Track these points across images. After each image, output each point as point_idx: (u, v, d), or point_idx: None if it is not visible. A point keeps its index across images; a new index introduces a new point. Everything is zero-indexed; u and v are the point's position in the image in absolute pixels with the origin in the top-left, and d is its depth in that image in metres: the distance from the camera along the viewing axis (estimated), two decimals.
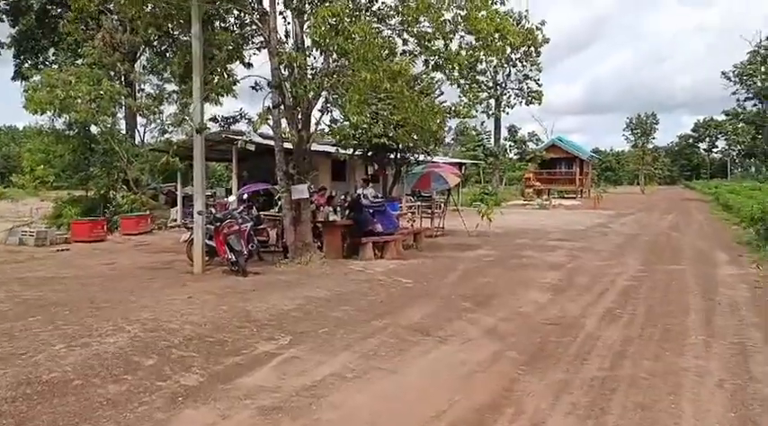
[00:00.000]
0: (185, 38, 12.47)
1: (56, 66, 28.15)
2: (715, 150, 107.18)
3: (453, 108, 13.60)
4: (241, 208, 13.80)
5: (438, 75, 13.51)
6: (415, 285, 9.92)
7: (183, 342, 6.19)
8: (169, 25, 12.45)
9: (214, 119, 11.80)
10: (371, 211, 14.44)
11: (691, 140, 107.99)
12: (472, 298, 8.80)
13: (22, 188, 30.67)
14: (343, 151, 17.12)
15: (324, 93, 11.31)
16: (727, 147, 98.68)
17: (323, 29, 8.80)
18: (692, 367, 5.49)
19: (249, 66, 12.72)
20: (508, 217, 24.72)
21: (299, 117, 11.23)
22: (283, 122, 11.53)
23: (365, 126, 11.75)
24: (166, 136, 29.47)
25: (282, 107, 11.06)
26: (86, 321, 7.04)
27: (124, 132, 28.32)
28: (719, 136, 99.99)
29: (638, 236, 18.11)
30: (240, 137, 16.18)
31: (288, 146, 11.79)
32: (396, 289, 9.49)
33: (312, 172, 12.12)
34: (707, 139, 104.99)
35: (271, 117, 10.93)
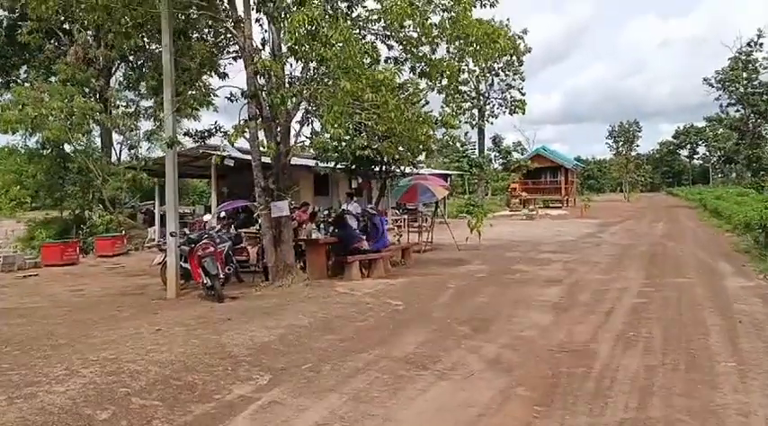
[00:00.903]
0: (158, 49, 11.71)
1: (28, 85, 27.20)
2: (696, 156, 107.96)
3: (441, 117, 12.89)
4: (218, 226, 13.03)
5: (423, 84, 12.82)
6: (407, 307, 9.19)
7: (146, 388, 5.39)
8: (139, 36, 11.68)
9: (188, 134, 11.01)
10: (362, 226, 13.71)
11: (672, 147, 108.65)
12: (469, 322, 8.08)
13: None
14: (324, 164, 16.42)
15: (303, 104, 10.59)
16: (708, 154, 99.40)
17: (299, 34, 8.11)
18: (731, 403, 4.80)
19: (225, 76, 12.01)
20: (496, 229, 24.13)
21: (278, 129, 10.49)
22: (261, 135, 10.79)
23: (347, 138, 11.02)
24: (143, 152, 28.62)
25: (260, 119, 10.33)
26: (37, 364, 6.21)
27: (100, 150, 27.41)
28: (700, 142, 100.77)
29: (634, 247, 17.53)
30: (216, 153, 15.43)
31: (266, 160, 11.05)
32: (385, 313, 8.75)
33: (293, 187, 11.36)
34: (688, 146, 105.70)
35: (248, 130, 10.16)
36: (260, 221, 11.01)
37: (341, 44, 8.28)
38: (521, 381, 5.57)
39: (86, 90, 25.90)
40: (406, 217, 27.11)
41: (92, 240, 20.64)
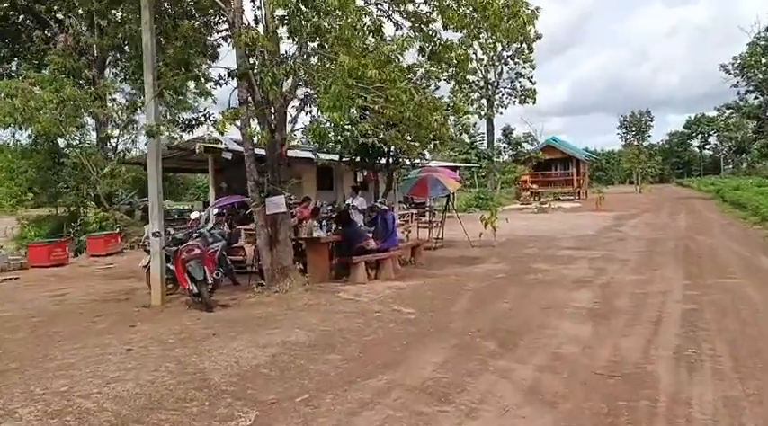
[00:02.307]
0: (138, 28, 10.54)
1: (20, 78, 26.08)
2: (707, 147, 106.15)
3: (452, 104, 11.67)
4: (210, 225, 11.89)
5: (433, 68, 11.59)
6: (420, 316, 8.02)
7: None
8: (119, 15, 10.52)
9: (174, 122, 9.84)
10: (369, 222, 12.57)
11: (683, 137, 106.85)
12: (494, 335, 6.91)
13: None
14: (325, 156, 15.20)
15: (301, 87, 9.40)
16: (719, 144, 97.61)
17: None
18: None
19: (214, 58, 10.80)
20: (509, 224, 22.88)
21: (273, 116, 9.32)
22: (255, 124, 9.61)
23: (348, 125, 9.80)
24: (141, 147, 27.48)
25: (252, 104, 9.16)
26: None
27: (96, 145, 26.30)
28: (711, 132, 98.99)
29: (661, 241, 16.29)
30: (215, 145, 14.28)
31: (262, 152, 9.90)
32: (396, 324, 7.58)
33: (290, 180, 10.21)
34: (699, 136, 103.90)
35: (239, 117, 8.99)
36: (254, 219, 9.83)
37: (340, 12, 7.09)
38: (571, 420, 4.41)
39: (81, 82, 24.76)
40: (414, 211, 25.95)
41: (84, 239, 19.55)
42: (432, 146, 13.58)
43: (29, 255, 16.25)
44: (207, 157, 20.24)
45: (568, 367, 5.71)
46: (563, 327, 7.27)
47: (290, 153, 17.59)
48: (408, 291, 9.84)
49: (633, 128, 79.92)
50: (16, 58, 28.71)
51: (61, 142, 23.93)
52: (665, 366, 5.63)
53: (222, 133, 9.57)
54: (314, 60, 9.19)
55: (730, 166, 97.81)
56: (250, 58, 8.78)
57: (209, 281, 8.55)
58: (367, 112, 9.88)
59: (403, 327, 7.43)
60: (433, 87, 12.82)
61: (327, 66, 7.99)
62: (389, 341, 6.77)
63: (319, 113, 7.65)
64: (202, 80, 9.89)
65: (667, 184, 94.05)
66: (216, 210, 13.07)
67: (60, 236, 19.75)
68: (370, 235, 12.19)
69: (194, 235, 11.90)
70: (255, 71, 8.16)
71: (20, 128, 22.18)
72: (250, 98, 9.24)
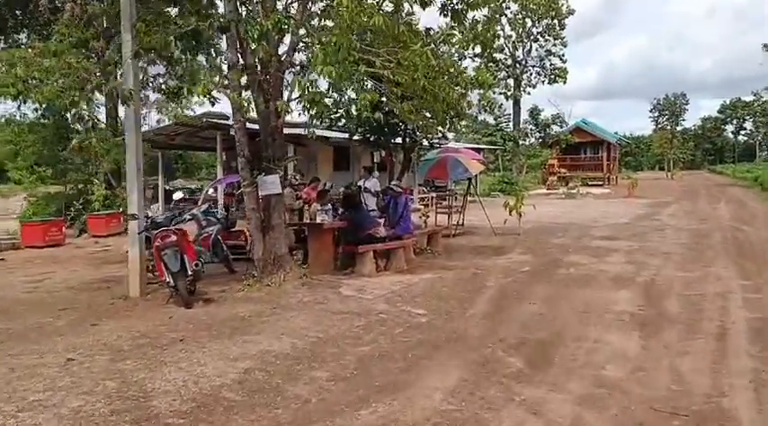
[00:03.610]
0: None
1: (25, 47, 25.15)
2: (742, 132, 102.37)
3: (476, 76, 10.22)
4: (204, 206, 10.75)
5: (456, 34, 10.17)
6: (432, 320, 6.78)
7: None
8: None
9: (161, 91, 8.63)
10: (383, 206, 11.30)
11: (717, 123, 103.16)
12: (520, 348, 5.65)
13: (18, 183, 28.21)
14: (336, 134, 13.89)
15: (301, 52, 8.12)
16: (754, 129, 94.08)
17: None
18: None
19: (201, 15, 9.43)
20: (536, 210, 21.45)
21: (268, 82, 8.05)
22: (248, 93, 8.36)
23: (350, 91, 8.46)
24: (151, 124, 26.50)
25: (243, 68, 7.91)
26: None
27: (105, 121, 25.34)
28: (747, 117, 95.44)
29: (705, 233, 14.76)
30: (221, 121, 13.10)
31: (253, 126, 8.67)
32: (402, 330, 6.34)
33: (286, 158, 8.96)
34: (734, 121, 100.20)
35: (228, 82, 7.74)
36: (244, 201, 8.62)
37: None
38: None
39: (89, 53, 23.74)
40: (433, 195, 24.61)
41: (84, 218, 18.62)
42: (450, 123, 12.14)
43: (22, 235, 15.31)
44: (216, 134, 19.15)
45: (617, 398, 4.43)
46: (604, 339, 5.98)
47: (302, 130, 16.24)
48: (420, 286, 8.58)
49: (666, 112, 77.08)
50: (25, 30, 27.80)
51: (69, 117, 22.92)
52: (743, 401, 4.33)
53: (213, 103, 8.38)
54: (315, 22, 7.92)
55: (765, 153, 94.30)
56: (240, 8, 7.49)
57: (189, 273, 7.36)
58: (375, 78, 8.54)
59: (410, 334, 6.19)
60: (456, 56, 11.35)
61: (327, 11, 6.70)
62: (392, 354, 5.54)
63: (315, 73, 6.37)
64: (190, 40, 8.59)
65: (698, 171, 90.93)
66: (211, 190, 11.90)
67: (68, 215, 18.93)
68: (382, 221, 10.97)
69: (186, 217, 10.79)
70: (242, 25, 6.89)
71: (24, 101, 21.30)
72: (241, 61, 7.99)
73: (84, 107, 23.14)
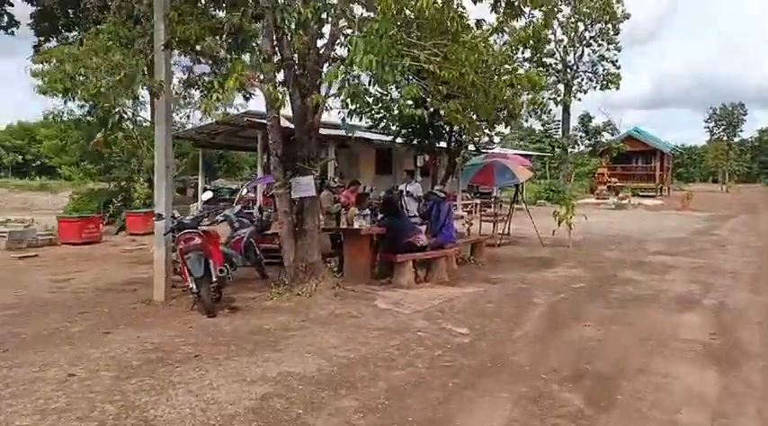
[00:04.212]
0: None
1: (75, 44, 25.35)
2: None
3: (527, 75, 9.43)
4: (238, 208, 10.29)
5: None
6: (475, 340, 6.09)
7: None
8: None
9: (193, 84, 8.15)
10: (427, 210, 10.66)
11: None
12: (578, 382, 4.93)
13: (68, 179, 28.68)
14: (378, 136, 13.23)
15: (341, 45, 7.51)
16: None
17: None
18: None
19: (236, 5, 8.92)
20: (585, 221, 20.45)
21: (305, 76, 7.50)
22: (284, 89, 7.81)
23: (392, 87, 7.71)
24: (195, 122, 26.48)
25: (279, 60, 7.37)
26: None
27: (150, 119, 25.37)
28: None
29: None
30: (260, 120, 12.64)
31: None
32: (442, 351, 5.67)
33: (321, 158, 8.40)
34: None
35: (262, 76, 7.20)
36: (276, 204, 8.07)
37: None
38: None
39: (135, 51, 23.80)
40: (478, 202, 23.81)
41: (124, 215, 18.51)
42: (503, 123, 11.36)
43: (59, 231, 15.17)
44: (256, 134, 18.84)
45: None
46: (674, 373, 5.20)
47: (343, 131, 15.64)
48: (463, 301, 7.89)
49: (723, 123, 74.04)
50: (76, 28, 28.11)
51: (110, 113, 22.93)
52: None
53: (248, 97, 7.83)
54: (357, 11, 7.31)
55: None
56: None
57: (214, 279, 6.83)
58: (421, 81, 7.90)
59: (451, 357, 5.53)
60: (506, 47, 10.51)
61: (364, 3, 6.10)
62: (430, 381, 4.89)
63: (355, 67, 5.76)
64: (224, 36, 8.08)
65: (754, 184, 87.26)
66: (245, 191, 11.43)
67: (108, 212, 18.90)
68: (423, 229, 10.32)
69: (219, 218, 10.35)
70: (278, 12, 6.34)
71: (72, 98, 21.40)
72: (278, 53, 7.46)
73: (129, 104, 23.18)
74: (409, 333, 6.23)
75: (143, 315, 7.05)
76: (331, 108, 7.33)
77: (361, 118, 8.33)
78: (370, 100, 9.79)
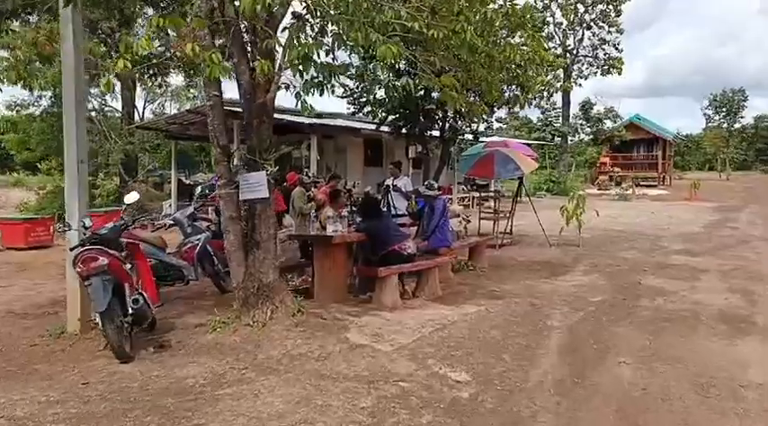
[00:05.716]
0: None
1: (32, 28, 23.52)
2: None
3: (535, 49, 7.70)
4: (190, 210, 8.58)
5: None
6: (478, 393, 4.46)
7: None
8: None
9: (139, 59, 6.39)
10: (419, 209, 9.09)
11: None
12: None
13: (48, 174, 26.94)
14: (361, 124, 11.57)
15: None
16: None
17: None
18: None
19: None
20: (589, 214, 18.81)
21: (254, 42, 5.82)
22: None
23: (361, 47, 5.92)
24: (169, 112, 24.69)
25: (219, 18, 5.68)
26: None
27: (120, 109, 23.59)
28: None
29: None
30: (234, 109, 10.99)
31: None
32: (432, 415, 4.03)
33: (279, 148, 6.69)
34: None
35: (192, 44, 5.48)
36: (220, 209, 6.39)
37: None
38: None
39: (101, 36, 21.90)
40: (475, 195, 22.13)
41: None
42: (514, 101, 9.66)
43: (2, 235, 13.44)
44: (232, 124, 17.13)
45: None
46: None
47: (331, 121, 13.97)
48: (460, 328, 6.22)
49: (723, 109, 72.26)
50: (34, 11, 26.23)
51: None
52: None
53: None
54: None
55: None
56: None
57: (130, 311, 5.13)
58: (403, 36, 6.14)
59: (445, 422, 3.88)
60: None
61: None
62: None
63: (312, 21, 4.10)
64: None
65: (749, 172, 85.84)
66: (199, 189, 9.72)
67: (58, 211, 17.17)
68: (413, 232, 8.69)
69: (167, 222, 8.70)
70: None
71: (30, 88, 19.68)
72: (218, 12, 5.76)
73: (90, 92, 21.15)
74: (388, 385, 4.57)
75: (41, 357, 5.39)
76: (280, 77, 5.61)
77: (334, 94, 6.63)
78: (344, 77, 7.94)
